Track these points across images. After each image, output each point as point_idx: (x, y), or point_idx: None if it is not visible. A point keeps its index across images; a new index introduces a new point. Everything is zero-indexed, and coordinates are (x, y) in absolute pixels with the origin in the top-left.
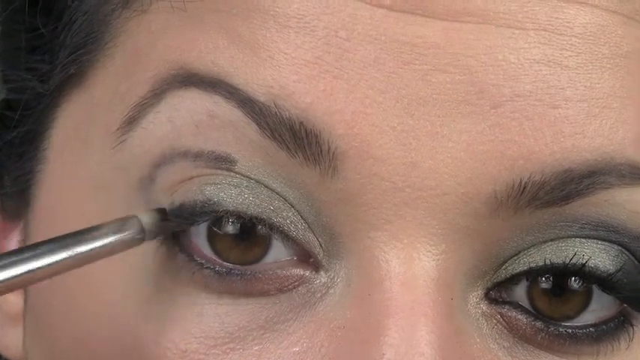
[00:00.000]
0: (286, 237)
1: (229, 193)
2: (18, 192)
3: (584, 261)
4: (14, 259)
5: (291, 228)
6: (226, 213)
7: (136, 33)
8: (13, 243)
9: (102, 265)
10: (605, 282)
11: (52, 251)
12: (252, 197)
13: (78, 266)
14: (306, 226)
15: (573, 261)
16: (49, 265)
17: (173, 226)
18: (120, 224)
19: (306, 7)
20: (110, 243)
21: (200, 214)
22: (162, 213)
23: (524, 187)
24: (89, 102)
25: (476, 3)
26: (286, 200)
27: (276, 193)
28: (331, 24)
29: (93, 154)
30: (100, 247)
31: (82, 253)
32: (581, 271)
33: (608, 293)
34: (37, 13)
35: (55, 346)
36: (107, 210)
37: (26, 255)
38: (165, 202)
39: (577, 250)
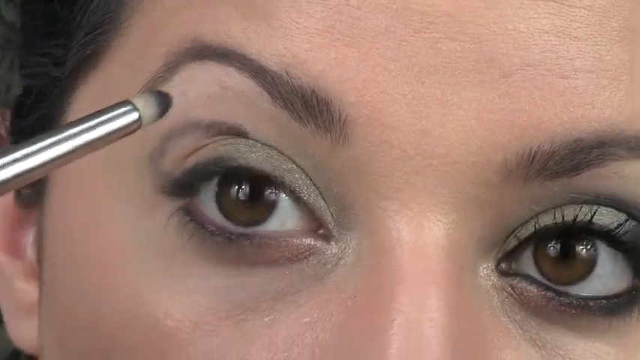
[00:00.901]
0: (296, 199)
1: (243, 151)
2: None
3: (592, 215)
4: (8, 157)
5: (303, 190)
6: (238, 167)
7: (151, 11)
8: (28, 232)
9: (114, 240)
10: (611, 236)
11: (46, 146)
12: (266, 155)
13: (75, 158)
14: (318, 193)
15: (580, 218)
16: (46, 162)
17: (184, 192)
18: (113, 111)
19: None
20: (107, 133)
21: (212, 171)
22: (158, 95)
23: (534, 157)
24: (105, 82)
25: None
26: (299, 167)
27: (290, 159)
28: None
29: None
30: (97, 137)
31: (79, 144)
32: (588, 227)
33: (614, 248)
34: None
35: (67, 331)
36: (119, 187)
37: (24, 150)
38: (176, 172)
39: (583, 209)
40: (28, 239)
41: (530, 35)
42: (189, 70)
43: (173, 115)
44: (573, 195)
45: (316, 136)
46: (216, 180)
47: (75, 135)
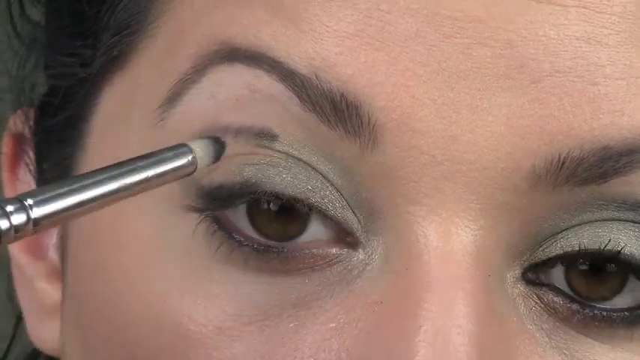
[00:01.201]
0: (324, 216)
1: (267, 174)
2: (57, 178)
3: (620, 248)
4: (66, 189)
5: (329, 207)
6: (264, 194)
7: (180, 12)
8: (51, 233)
9: (140, 245)
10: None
11: (102, 182)
12: (290, 177)
13: (128, 196)
14: (345, 203)
15: (609, 247)
16: (102, 195)
17: (212, 207)
18: (172, 152)
19: None
20: (163, 172)
21: (238, 196)
22: (215, 141)
23: (563, 163)
24: (132, 83)
25: None
26: (325, 177)
27: (315, 170)
28: None
29: (134, 135)
30: (153, 175)
31: (134, 182)
32: (617, 258)
33: None
34: None
35: (91, 333)
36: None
37: (80, 184)
38: (203, 180)
39: (612, 237)
40: (51, 240)
41: (560, 41)
42: (218, 72)
43: (202, 118)
44: (601, 202)
45: (345, 140)
46: (243, 202)
47: (131, 172)
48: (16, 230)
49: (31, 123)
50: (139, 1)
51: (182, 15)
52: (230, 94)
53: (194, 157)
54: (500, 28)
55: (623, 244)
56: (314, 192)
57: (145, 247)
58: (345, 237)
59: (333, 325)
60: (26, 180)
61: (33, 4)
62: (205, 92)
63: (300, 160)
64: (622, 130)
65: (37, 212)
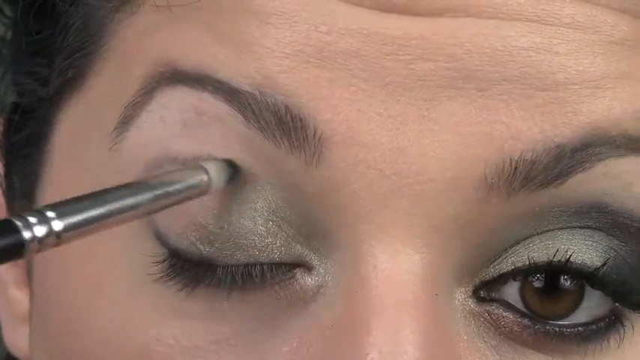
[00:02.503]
0: (277, 263)
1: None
2: (24, 194)
3: (568, 257)
4: (87, 203)
5: (277, 255)
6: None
7: (127, 34)
8: None
9: (106, 262)
10: (592, 277)
11: (122, 197)
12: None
13: (145, 214)
14: (293, 232)
15: (557, 257)
16: (117, 211)
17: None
18: (189, 173)
19: (286, 5)
20: (178, 191)
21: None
22: (228, 163)
23: (516, 167)
24: (87, 105)
25: (457, 0)
26: (276, 210)
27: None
28: (311, 20)
29: (92, 157)
30: (171, 193)
31: (150, 199)
32: (566, 268)
33: (596, 289)
34: (33, 16)
35: (58, 348)
36: None
37: (100, 199)
38: (161, 228)
39: (561, 247)
40: None
41: (507, 52)
42: (165, 95)
43: (153, 145)
44: (559, 209)
45: (290, 155)
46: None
47: (145, 190)
48: (40, 242)
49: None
50: (91, 24)
51: (129, 37)
52: (177, 118)
53: (209, 179)
54: (443, 43)
55: (571, 252)
56: (261, 250)
57: (110, 267)
58: (298, 263)
59: (287, 348)
60: None
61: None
62: (155, 115)
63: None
64: (576, 128)
65: (58, 225)
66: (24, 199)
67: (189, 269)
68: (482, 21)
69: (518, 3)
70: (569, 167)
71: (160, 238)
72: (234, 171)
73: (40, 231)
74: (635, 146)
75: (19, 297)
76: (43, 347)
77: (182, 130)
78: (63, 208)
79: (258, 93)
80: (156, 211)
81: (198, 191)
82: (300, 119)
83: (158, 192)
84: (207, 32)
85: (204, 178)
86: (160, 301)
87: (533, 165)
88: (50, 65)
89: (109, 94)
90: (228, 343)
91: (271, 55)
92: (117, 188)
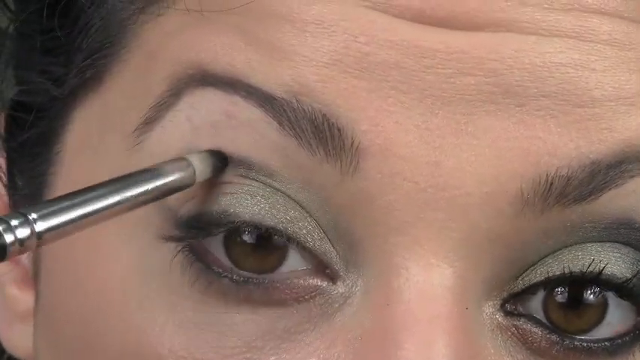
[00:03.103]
0: (302, 247)
1: (245, 204)
2: (31, 194)
3: (601, 268)
4: (68, 203)
5: (308, 238)
6: (243, 223)
7: (152, 36)
8: None
9: (118, 271)
10: (622, 288)
11: (103, 195)
12: (268, 207)
13: (128, 209)
14: (323, 235)
15: (590, 269)
16: (103, 208)
17: (190, 236)
18: (171, 166)
19: (325, 14)
20: (163, 184)
21: (217, 225)
22: (213, 154)
23: (552, 183)
24: (105, 106)
25: (498, 15)
26: (303, 207)
27: (293, 200)
28: (350, 30)
29: (108, 159)
30: (153, 188)
31: (134, 194)
32: (598, 279)
33: (625, 300)
34: (54, 15)
35: (63, 345)
36: (126, 219)
37: (80, 199)
38: (181, 209)
39: (594, 258)
40: None
41: (546, 68)
42: (194, 96)
43: (179, 142)
44: (589, 224)
45: (325, 164)
46: (222, 232)
47: (131, 185)
48: (21, 243)
49: (1, 129)
50: (111, 26)
51: (154, 39)
52: (206, 119)
53: (193, 171)
54: (483, 58)
55: (604, 264)
56: (292, 222)
57: (123, 276)
58: (324, 269)
59: (313, 359)
60: None
61: (3, 11)
62: (181, 116)
63: (277, 189)
64: (611, 145)
65: (40, 226)
66: (30, 198)
67: (205, 258)
68: (523, 36)
69: (557, 19)
70: (602, 184)
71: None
72: (221, 161)
73: (21, 233)
74: None
75: (19, 296)
76: (50, 352)
77: (209, 130)
78: (45, 209)
79: (294, 100)
80: (140, 205)
81: (183, 183)
82: (338, 128)
83: (141, 187)
84: (240, 37)
85: (189, 169)
86: (172, 311)
87: (569, 181)
88: (67, 65)
89: (129, 96)
90: (244, 357)
91: (309, 64)
92: (99, 186)
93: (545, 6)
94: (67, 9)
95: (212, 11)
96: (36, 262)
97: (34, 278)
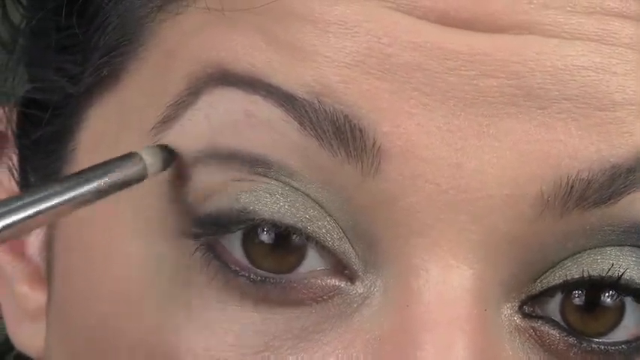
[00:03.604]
0: (322, 247)
1: (265, 202)
2: None
3: (620, 273)
4: (14, 205)
5: (327, 238)
6: (262, 221)
7: (170, 35)
8: (35, 244)
9: (134, 269)
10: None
11: (50, 195)
12: (288, 205)
13: (81, 205)
14: (343, 235)
15: (610, 273)
16: (54, 206)
17: (208, 233)
18: (122, 161)
19: (347, 15)
20: (115, 180)
21: (236, 223)
22: (164, 149)
23: (572, 186)
24: (121, 104)
25: (521, 17)
26: (322, 207)
27: (312, 200)
28: (373, 31)
29: None
30: (105, 184)
31: (86, 191)
32: (617, 284)
33: None
34: (71, 13)
35: (77, 344)
36: (138, 212)
37: (32, 198)
38: (199, 206)
39: (613, 263)
40: (33, 241)
41: (568, 71)
42: (213, 95)
43: (197, 140)
44: (608, 227)
45: (346, 165)
46: (240, 229)
47: (81, 184)
48: None
49: (14, 125)
50: (129, 24)
51: (172, 38)
52: (225, 118)
53: (144, 165)
54: (507, 61)
55: (623, 269)
56: (312, 221)
57: (138, 273)
58: (342, 269)
59: (332, 359)
60: (10, 187)
61: (16, 7)
62: (200, 114)
63: (297, 189)
64: (631, 149)
65: None
66: None
67: (222, 256)
68: (545, 39)
69: (579, 22)
70: (622, 187)
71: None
72: (170, 155)
73: None
74: None
75: (29, 294)
76: (62, 346)
77: (228, 129)
78: None
79: (316, 101)
80: (94, 201)
81: (134, 178)
82: (360, 130)
83: (92, 184)
84: (260, 36)
85: (140, 164)
86: (189, 309)
87: (589, 184)
88: (83, 63)
89: (147, 94)
90: (262, 356)
91: (331, 65)
92: (49, 184)
93: (568, 9)
94: (84, 7)
95: (233, 10)
96: (49, 261)
97: (47, 277)
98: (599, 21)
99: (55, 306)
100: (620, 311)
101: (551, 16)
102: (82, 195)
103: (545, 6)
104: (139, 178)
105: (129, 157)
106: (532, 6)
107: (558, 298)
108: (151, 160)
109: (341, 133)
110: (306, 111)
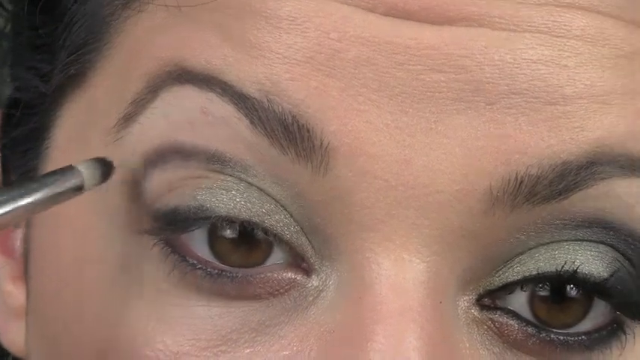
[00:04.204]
0: (279, 240)
1: (221, 198)
2: None
3: (576, 268)
4: None
5: (285, 231)
6: (218, 219)
7: (133, 32)
8: (17, 241)
9: (98, 266)
10: (599, 288)
11: None
12: (244, 201)
13: (19, 219)
14: (299, 228)
15: (565, 268)
16: None
17: (170, 231)
18: (60, 175)
19: (298, 10)
20: (48, 196)
21: (194, 221)
22: (102, 162)
23: (521, 182)
24: (89, 102)
25: (470, 8)
26: (277, 202)
27: (268, 195)
28: (322, 26)
29: (90, 154)
30: (38, 199)
31: (22, 205)
32: (574, 278)
33: (602, 299)
34: (37, 12)
35: (55, 348)
36: (102, 212)
37: None
38: (157, 203)
39: (569, 258)
40: (18, 237)
41: (517, 65)
42: (171, 93)
43: (156, 138)
44: (560, 221)
45: (296, 164)
46: (199, 227)
47: (16, 198)
48: None
49: None
50: (95, 22)
51: (135, 36)
52: (183, 116)
53: (82, 178)
54: (453, 54)
55: (579, 264)
56: (268, 215)
57: (102, 269)
58: (300, 262)
59: (287, 352)
60: None
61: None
62: (158, 112)
63: (252, 184)
64: (582, 144)
65: None
66: None
67: (181, 249)
68: (494, 32)
69: (529, 15)
70: (573, 184)
71: (146, 211)
72: (108, 167)
73: None
74: (638, 168)
75: (14, 292)
76: (41, 346)
77: (186, 127)
78: None
79: (265, 100)
80: (29, 215)
81: (72, 190)
82: (308, 130)
83: (28, 198)
84: (217, 33)
85: (77, 177)
86: (148, 304)
87: (538, 180)
88: (52, 61)
89: (111, 92)
90: (219, 350)
91: (281, 62)
92: None
93: (518, 1)
94: (51, 5)
95: (189, 6)
96: (26, 260)
97: (25, 275)
98: (549, 13)
99: (31, 306)
100: (587, 303)
101: (501, 9)
102: (14, 210)
103: None
104: (77, 191)
105: (68, 170)
106: None
107: (518, 293)
108: (88, 172)
109: (289, 132)
110: (256, 110)
